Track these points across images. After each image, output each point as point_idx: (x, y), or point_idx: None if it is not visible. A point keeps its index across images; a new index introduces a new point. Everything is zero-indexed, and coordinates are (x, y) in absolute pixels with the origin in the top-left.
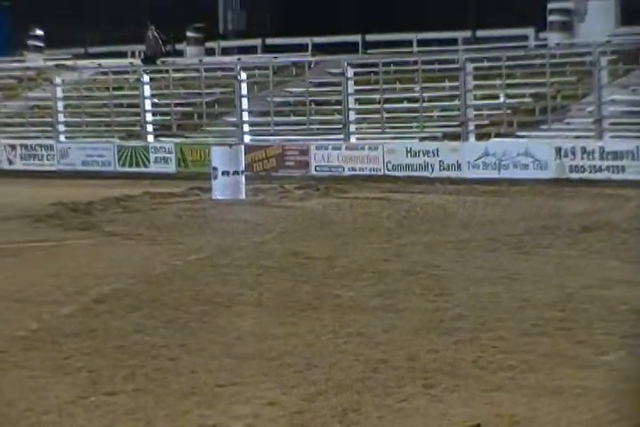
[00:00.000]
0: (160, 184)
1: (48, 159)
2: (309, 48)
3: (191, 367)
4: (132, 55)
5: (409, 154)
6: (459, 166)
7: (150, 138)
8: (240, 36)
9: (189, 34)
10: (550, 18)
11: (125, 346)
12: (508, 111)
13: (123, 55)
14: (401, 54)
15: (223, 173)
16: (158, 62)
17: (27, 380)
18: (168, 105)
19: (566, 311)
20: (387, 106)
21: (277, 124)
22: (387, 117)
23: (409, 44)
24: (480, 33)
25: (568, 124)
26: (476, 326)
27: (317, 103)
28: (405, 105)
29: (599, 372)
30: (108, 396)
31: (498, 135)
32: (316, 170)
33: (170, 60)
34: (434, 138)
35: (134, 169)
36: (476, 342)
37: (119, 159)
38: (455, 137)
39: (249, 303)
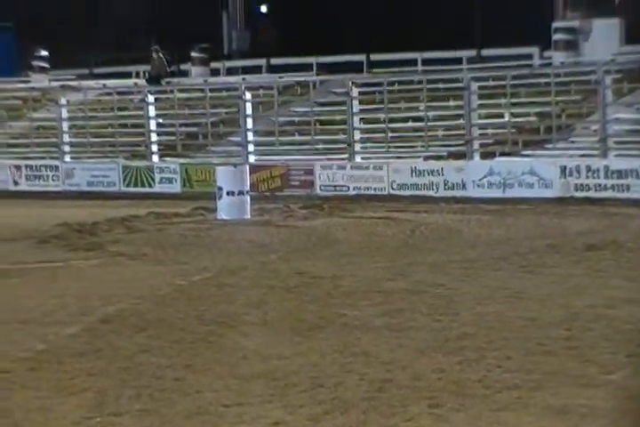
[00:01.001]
0: (165, 204)
1: (53, 180)
2: (314, 68)
3: (197, 387)
4: (137, 76)
5: (414, 173)
6: (463, 185)
7: (155, 158)
8: (245, 56)
9: (194, 54)
10: (555, 37)
11: (131, 366)
12: (513, 130)
13: (127, 76)
14: (405, 73)
15: (228, 193)
16: (163, 83)
17: (33, 400)
18: (173, 125)
19: (572, 330)
20: (391, 125)
21: (282, 143)
22: (391, 137)
23: (413, 63)
24: (485, 52)
25: (573, 142)
26: (482, 345)
27: (322, 123)
28: (410, 124)
29: (605, 391)
30: (113, 416)
31: (503, 154)
32: (320, 189)
33: (175, 80)
34: (439, 157)
35: (139, 189)
36: (482, 361)
37: (124, 179)
38: (460, 156)
39: (254, 323)
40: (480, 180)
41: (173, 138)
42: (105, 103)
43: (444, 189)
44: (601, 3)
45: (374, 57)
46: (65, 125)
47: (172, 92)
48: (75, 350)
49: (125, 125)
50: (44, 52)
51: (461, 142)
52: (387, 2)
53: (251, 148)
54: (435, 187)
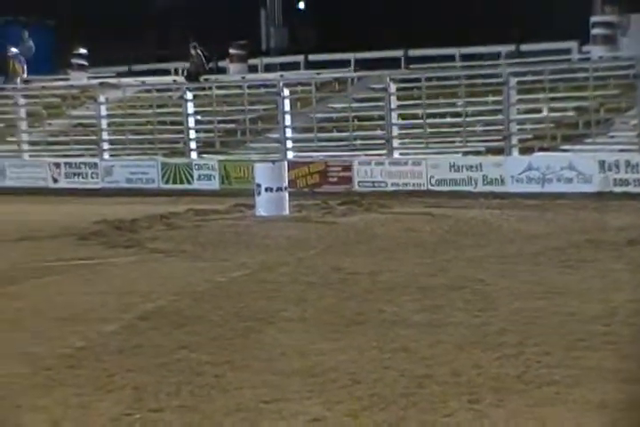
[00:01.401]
0: (204, 201)
1: (92, 177)
2: (352, 64)
3: (236, 384)
4: (176, 73)
5: (452, 169)
6: (502, 181)
7: (194, 155)
8: (283, 52)
9: (232, 51)
10: (593, 31)
11: (170, 363)
12: (552, 125)
13: (166, 73)
14: (444, 69)
15: (266, 190)
16: (201, 79)
17: (72, 397)
18: (211, 122)
19: (611, 325)
20: (430, 121)
21: (320, 140)
22: (430, 132)
23: (452, 58)
24: (523, 47)
25: (612, 137)
26: (521, 340)
27: (360, 119)
28: (448, 120)
29: None
30: (153, 413)
31: (541, 149)
32: (359, 185)
33: (213, 77)
34: (477, 152)
35: (178, 186)
36: (521, 356)
37: (163, 176)
38: (498, 151)
39: (293, 319)
40: (519, 175)
41: (212, 135)
42: (144, 100)
43: (483, 184)
44: None
45: (412, 53)
46: (104, 123)
47: (210, 88)
48: (114, 347)
49: (164, 122)
50: (83, 50)
51: (500, 138)
52: None
53: (289, 144)
54: (473, 182)
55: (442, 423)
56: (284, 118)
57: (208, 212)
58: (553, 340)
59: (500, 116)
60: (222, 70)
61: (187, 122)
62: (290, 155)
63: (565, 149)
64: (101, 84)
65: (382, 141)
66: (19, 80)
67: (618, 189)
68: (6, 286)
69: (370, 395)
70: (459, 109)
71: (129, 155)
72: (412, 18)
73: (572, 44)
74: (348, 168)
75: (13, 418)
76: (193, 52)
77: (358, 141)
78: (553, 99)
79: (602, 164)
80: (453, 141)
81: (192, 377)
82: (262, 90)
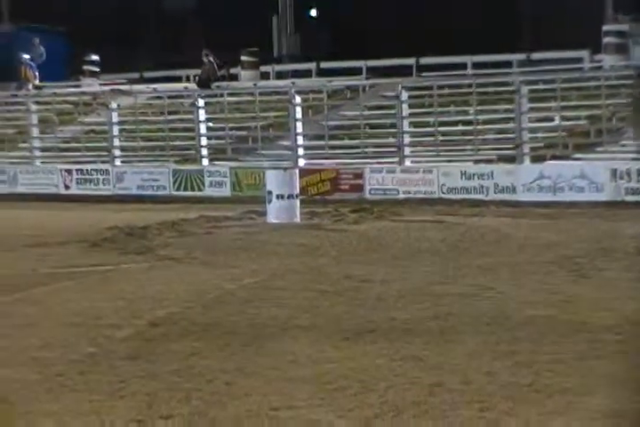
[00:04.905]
0: (215, 208)
1: (104, 184)
2: (363, 71)
3: (246, 391)
4: (187, 79)
5: (464, 177)
6: (514, 189)
7: (205, 162)
8: (294, 59)
9: (244, 58)
10: (605, 40)
11: (181, 369)
12: (564, 133)
13: (178, 80)
14: (455, 77)
15: (278, 197)
16: (213, 86)
17: (83, 403)
18: (223, 129)
19: (623, 334)
20: (441, 129)
21: (332, 147)
22: (441, 140)
23: (463, 66)
24: (535, 55)
25: (623, 146)
26: (532, 348)
27: (372, 126)
28: (460, 128)
29: None
30: (164, 419)
31: (553, 158)
32: (370, 193)
33: (224, 84)
34: (489, 161)
35: (189, 193)
36: (533, 365)
37: (174, 183)
38: (510, 160)
39: (304, 327)
40: (530, 183)
41: (223, 142)
42: (155, 107)
43: (495, 192)
44: None
45: (424, 60)
46: (115, 129)
47: (221, 95)
48: (125, 353)
49: (176, 129)
50: (95, 57)
51: (511, 146)
52: (436, 5)
53: (300, 151)
54: (485, 190)
55: None
56: (295, 126)
57: (219, 218)
58: (564, 348)
59: (511, 125)
60: (234, 77)
61: (198, 129)
62: (301, 162)
63: (577, 157)
64: (113, 90)
65: (394, 149)
66: (30, 86)
67: (629, 198)
68: (18, 292)
69: (381, 403)
70: (470, 117)
71: (140, 161)
72: (423, 26)
73: (584, 53)
74: (359, 176)
75: (24, 424)
76: (205, 59)
77: (370, 149)
78: (565, 107)
79: (613, 172)
80: (465, 149)
81: (203, 384)
82: (274, 97)
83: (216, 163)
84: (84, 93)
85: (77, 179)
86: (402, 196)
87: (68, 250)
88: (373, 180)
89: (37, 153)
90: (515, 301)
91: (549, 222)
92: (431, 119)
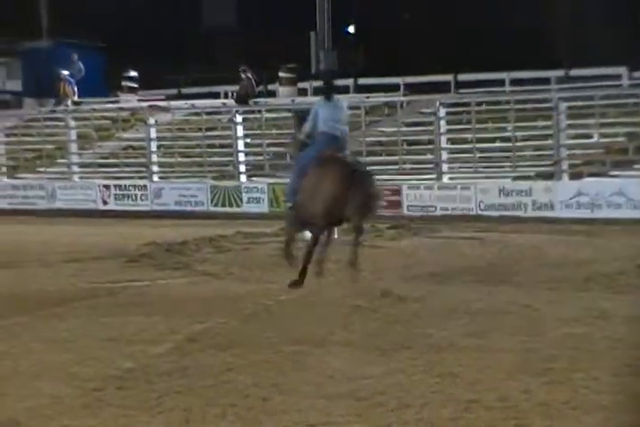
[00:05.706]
0: (252, 224)
1: (142, 199)
2: (401, 88)
3: (282, 407)
4: (225, 96)
5: (502, 193)
6: (552, 206)
7: (243, 178)
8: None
9: (282, 74)
10: None
11: (217, 385)
12: (602, 150)
13: (216, 96)
14: (493, 94)
15: None
16: (251, 103)
17: (121, 418)
18: (260, 145)
19: None
20: (479, 145)
21: (369, 163)
22: (479, 157)
23: (501, 83)
24: (573, 72)
25: None
26: (569, 366)
27: (409, 143)
28: (498, 144)
29: None
30: None
31: (591, 175)
32: (408, 209)
33: (262, 100)
34: (527, 177)
35: (227, 209)
36: (569, 382)
37: (212, 199)
38: (548, 176)
39: (340, 343)
40: (568, 200)
41: (261, 158)
42: (193, 123)
43: (532, 209)
44: None
45: (462, 77)
46: (153, 145)
47: (259, 112)
48: (162, 369)
49: (213, 145)
50: (133, 73)
51: (550, 163)
52: (474, 21)
53: None
54: (523, 207)
55: None
56: None
57: (257, 235)
58: (601, 365)
59: (549, 141)
60: (272, 93)
61: (236, 145)
62: None
63: (615, 174)
64: (151, 106)
65: (431, 166)
66: (69, 102)
67: None
68: (55, 307)
69: (417, 419)
70: (508, 134)
71: (178, 177)
72: (462, 42)
73: (622, 70)
74: (397, 192)
75: None
76: (242, 75)
77: (407, 165)
78: (603, 124)
79: None
80: (503, 166)
81: (239, 400)
82: None
83: (254, 179)
84: (122, 109)
85: (115, 194)
86: (439, 212)
87: (106, 265)
88: (411, 196)
89: (76, 169)
90: (551, 318)
91: (587, 239)
92: (469, 136)
